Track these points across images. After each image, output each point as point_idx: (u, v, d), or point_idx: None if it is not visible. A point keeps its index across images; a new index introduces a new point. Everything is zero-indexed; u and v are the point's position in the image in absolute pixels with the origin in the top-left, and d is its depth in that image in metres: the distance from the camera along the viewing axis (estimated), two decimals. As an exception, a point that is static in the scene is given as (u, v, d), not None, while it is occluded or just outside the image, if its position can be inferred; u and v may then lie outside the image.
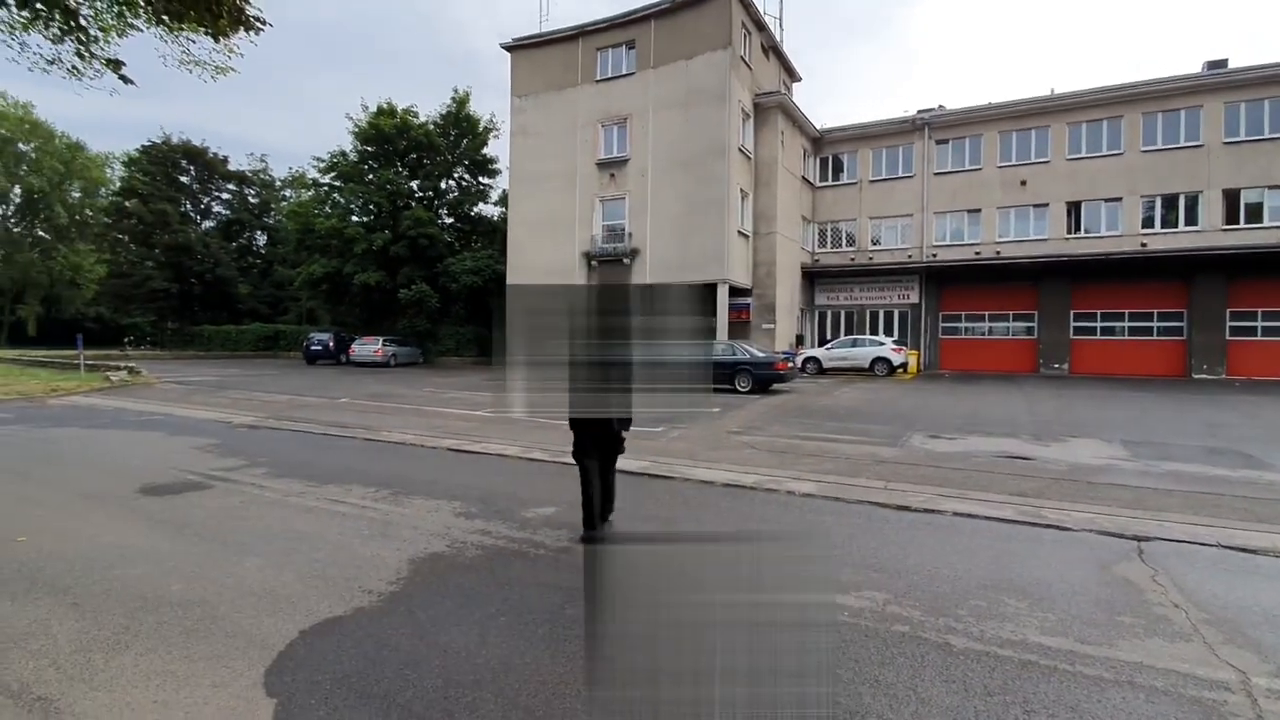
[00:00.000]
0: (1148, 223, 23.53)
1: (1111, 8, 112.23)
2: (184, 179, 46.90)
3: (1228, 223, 22.34)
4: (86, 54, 6.70)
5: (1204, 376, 21.96)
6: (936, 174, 26.52)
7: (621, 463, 7.58)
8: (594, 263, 24.57)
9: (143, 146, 44.61)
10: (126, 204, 43.86)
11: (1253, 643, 3.18)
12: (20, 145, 49.60)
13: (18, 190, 50.68)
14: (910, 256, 26.72)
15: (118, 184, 46.41)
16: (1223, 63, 23.05)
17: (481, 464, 7.75)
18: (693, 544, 3.49)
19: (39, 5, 5.03)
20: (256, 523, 5.10)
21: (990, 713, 2.55)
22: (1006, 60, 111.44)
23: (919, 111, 26.85)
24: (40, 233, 52.04)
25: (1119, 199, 23.72)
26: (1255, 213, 22.09)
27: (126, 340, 46.44)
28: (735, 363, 15.80)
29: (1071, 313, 24.39)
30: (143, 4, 4.20)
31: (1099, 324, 24.19)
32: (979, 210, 25.89)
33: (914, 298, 26.67)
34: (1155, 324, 23.52)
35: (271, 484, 6.44)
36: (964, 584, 3.95)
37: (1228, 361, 22.13)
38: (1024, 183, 24.98)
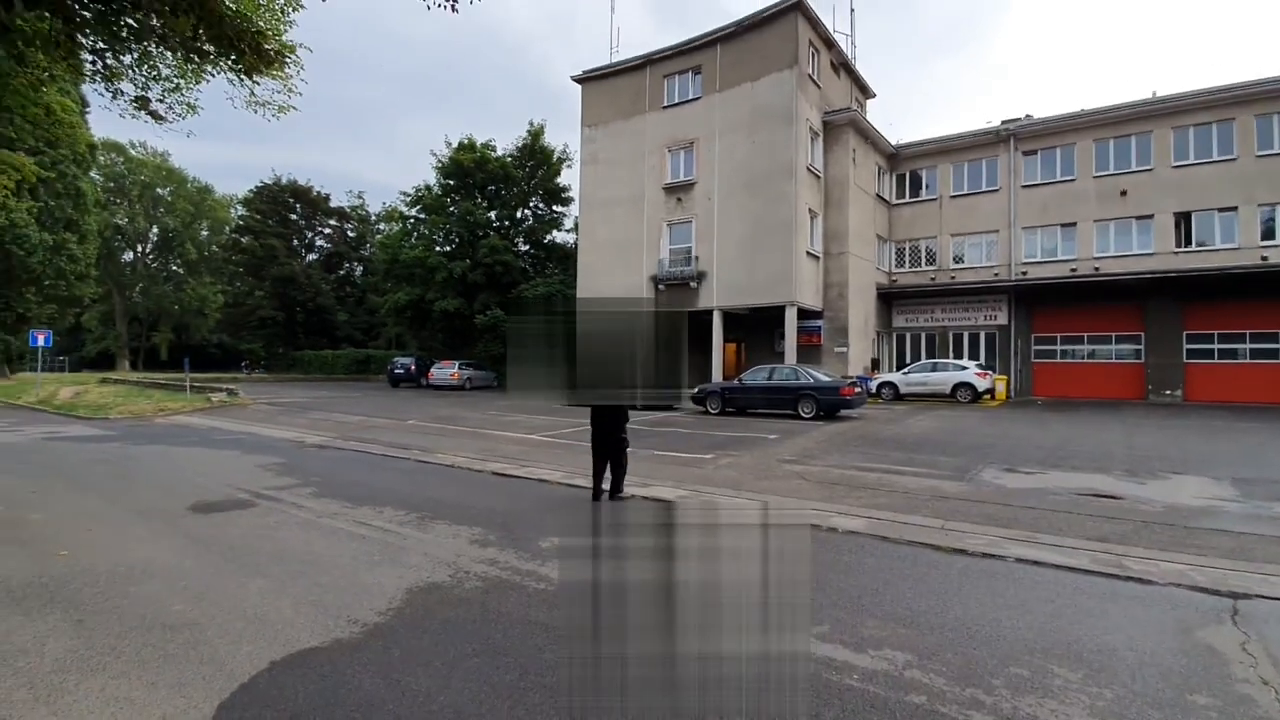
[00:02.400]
0: (1267, 234, 20.98)
1: (1211, 10, 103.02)
2: (292, 216, 51.00)
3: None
4: (160, 100, 7.25)
5: (1354, 406, 19.15)
6: (1024, 187, 24.81)
7: (660, 490, 7.40)
8: (661, 286, 24.52)
9: (256, 187, 48.95)
10: (241, 240, 48.17)
11: (1362, 740, 2.54)
12: (158, 190, 55.70)
13: (155, 230, 56.89)
14: (997, 275, 25.03)
15: (239, 222, 51.18)
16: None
17: (518, 488, 7.68)
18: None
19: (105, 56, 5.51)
20: (280, 543, 5.19)
21: (1000, 817, 2.11)
22: (1094, 70, 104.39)
23: (1003, 122, 25.33)
24: (174, 267, 58.09)
25: (1234, 208, 21.30)
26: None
27: (244, 364, 50.79)
28: (798, 387, 15.17)
29: (1184, 334, 21.94)
30: (172, 44, 4.50)
31: (1216, 346, 21.61)
32: (1073, 224, 23.93)
33: (1002, 319, 24.91)
34: (1286, 345, 20.80)
35: (311, 504, 6.61)
36: (1008, 646, 3.42)
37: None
38: (1124, 193, 22.91)
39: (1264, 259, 20.54)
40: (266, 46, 4.21)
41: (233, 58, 4.11)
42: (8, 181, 9.97)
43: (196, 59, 4.48)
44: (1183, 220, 22.28)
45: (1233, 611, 3.96)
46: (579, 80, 27.77)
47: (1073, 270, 23.63)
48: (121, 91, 6.19)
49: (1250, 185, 21.08)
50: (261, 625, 3.56)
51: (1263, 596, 4.22)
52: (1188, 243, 22.20)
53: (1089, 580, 4.55)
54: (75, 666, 3.06)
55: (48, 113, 7.03)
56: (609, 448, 6.69)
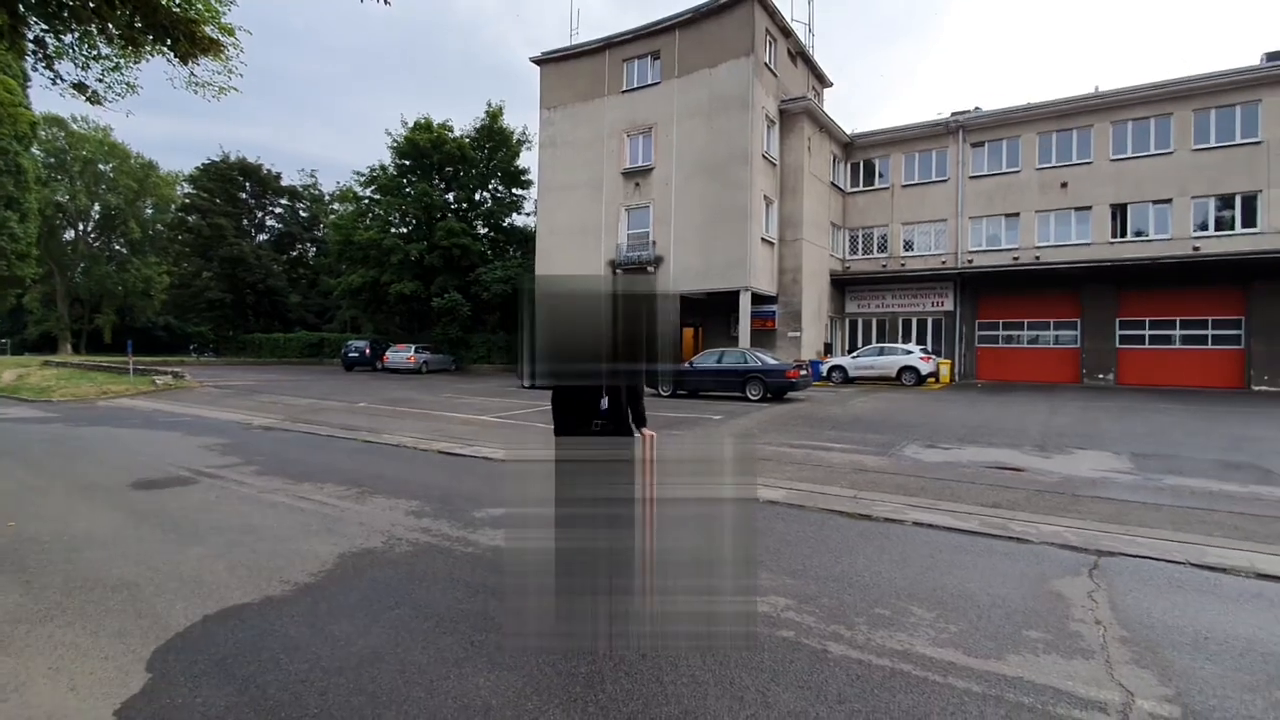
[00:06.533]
0: (1201, 225, 22.30)
1: (1157, 5, 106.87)
2: (241, 194, 49.45)
3: (1290, 225, 20.97)
4: (100, 80, 7.22)
5: (1265, 388, 20.59)
6: (972, 177, 25.76)
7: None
8: (618, 271, 24.75)
9: (203, 164, 47.28)
10: (188, 219, 46.58)
11: (1161, 664, 3.02)
12: (100, 165, 53.32)
13: (97, 208, 54.55)
14: (944, 262, 25.99)
15: (184, 200, 49.46)
16: (1282, 54, 21.73)
17: (462, 466, 7.93)
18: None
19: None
20: (219, 516, 5.37)
21: None
22: (1046, 61, 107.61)
23: (953, 114, 26.16)
24: (117, 247, 55.88)
25: (1168, 200, 22.55)
26: (1320, 214, 20.68)
27: (192, 347, 49.33)
28: (746, 370, 15.68)
29: (1117, 320, 23.22)
30: (109, 34, 4.58)
31: (1148, 332, 22.95)
32: (1017, 214, 25.00)
33: (949, 305, 25.91)
34: (1210, 332, 22.18)
35: (253, 481, 6.77)
36: (879, 592, 3.86)
37: (1292, 372, 20.71)
38: (1065, 185, 24.00)
39: (1195, 249, 21.80)
40: (199, 35, 4.31)
41: (169, 43, 4.20)
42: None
43: (133, 46, 4.55)
44: (1119, 211, 23.45)
45: (1092, 566, 4.47)
46: (538, 61, 27.60)
47: (1015, 259, 24.68)
48: (60, 77, 6.18)
49: (1185, 178, 22.30)
50: (197, 585, 3.79)
51: (1125, 554, 4.73)
52: (1124, 233, 23.38)
53: (971, 540, 5.05)
54: (25, 618, 3.28)
55: (-15, 93, 6.91)
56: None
